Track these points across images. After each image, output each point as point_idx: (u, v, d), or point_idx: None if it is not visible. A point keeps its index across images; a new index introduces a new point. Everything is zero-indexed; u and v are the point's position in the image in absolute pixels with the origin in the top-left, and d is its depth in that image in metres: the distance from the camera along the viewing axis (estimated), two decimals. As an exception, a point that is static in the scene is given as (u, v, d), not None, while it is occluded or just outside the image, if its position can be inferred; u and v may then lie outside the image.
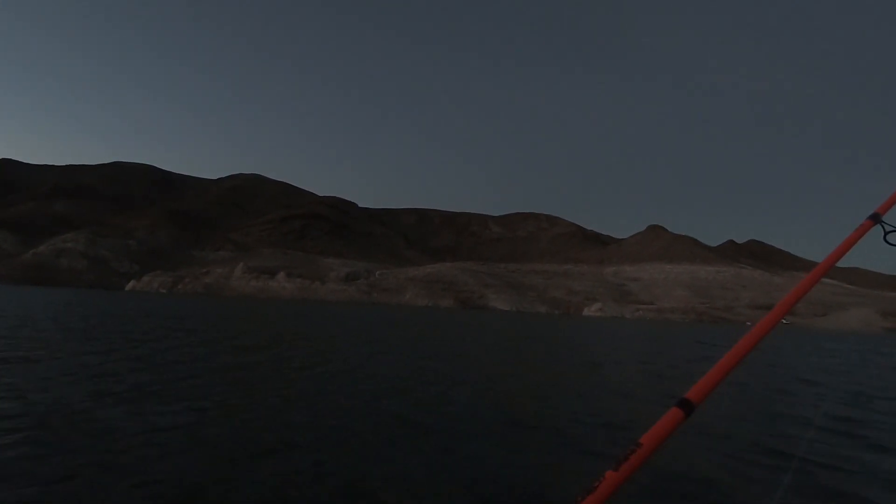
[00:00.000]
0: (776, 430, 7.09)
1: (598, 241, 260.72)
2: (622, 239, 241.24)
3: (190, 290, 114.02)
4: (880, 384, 13.00)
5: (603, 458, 5.03)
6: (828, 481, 4.83)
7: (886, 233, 1.60)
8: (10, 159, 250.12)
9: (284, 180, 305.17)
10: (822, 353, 24.16)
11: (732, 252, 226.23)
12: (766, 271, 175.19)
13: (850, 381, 13.02)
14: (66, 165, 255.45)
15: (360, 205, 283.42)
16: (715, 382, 1.19)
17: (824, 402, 9.75)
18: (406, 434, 5.85)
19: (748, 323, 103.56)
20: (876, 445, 6.47)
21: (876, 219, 1.64)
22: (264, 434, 5.48)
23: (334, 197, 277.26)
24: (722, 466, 5.19)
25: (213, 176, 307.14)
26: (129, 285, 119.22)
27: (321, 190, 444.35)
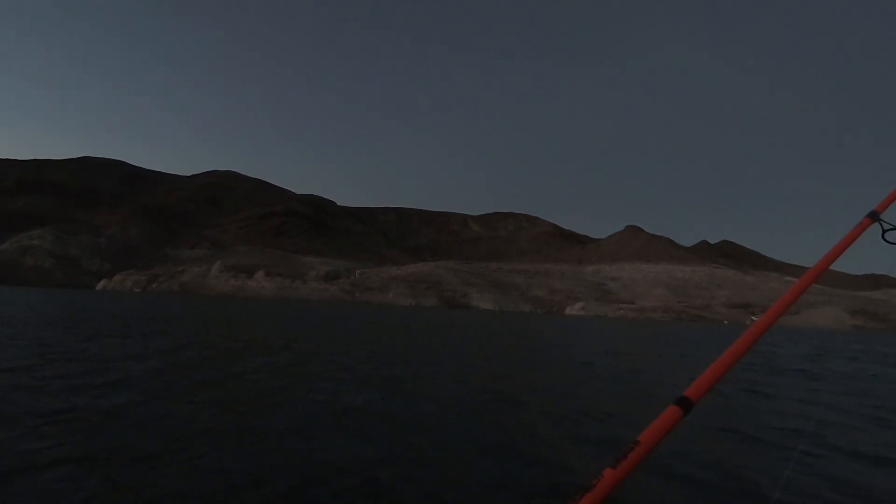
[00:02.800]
0: (776, 426, 7.11)
1: (577, 240, 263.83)
2: (600, 239, 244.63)
3: (165, 289, 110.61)
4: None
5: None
6: (828, 477, 4.81)
7: (884, 231, 1.62)
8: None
9: (260, 177, 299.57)
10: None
11: (706, 252, 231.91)
12: (738, 271, 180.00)
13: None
14: (31, 160, 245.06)
15: (338, 203, 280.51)
16: (713, 380, 1.19)
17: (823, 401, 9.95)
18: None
19: (725, 322, 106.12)
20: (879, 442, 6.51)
21: (874, 217, 1.65)
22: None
23: (312, 195, 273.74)
24: (721, 462, 5.15)
25: (187, 172, 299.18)
26: (101, 284, 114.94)
27: (298, 187, 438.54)
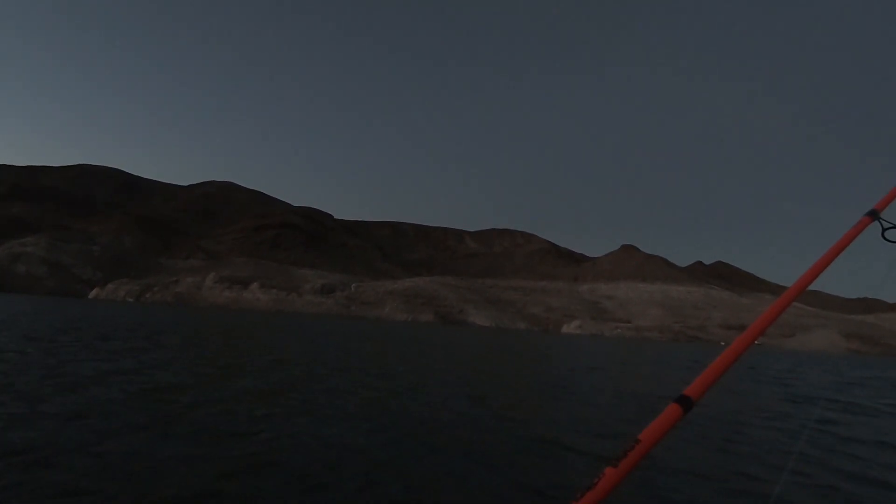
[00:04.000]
0: (775, 429, 7.19)
1: (572, 258, 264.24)
2: (595, 257, 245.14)
3: (159, 299, 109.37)
4: None
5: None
6: (825, 478, 4.85)
7: (884, 229, 1.62)
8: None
9: (257, 189, 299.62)
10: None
11: (701, 273, 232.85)
12: (733, 292, 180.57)
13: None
14: (26, 166, 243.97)
15: (334, 216, 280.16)
16: (713, 379, 1.18)
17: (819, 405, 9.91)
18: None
19: (722, 343, 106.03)
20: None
21: (874, 215, 1.64)
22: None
23: (308, 207, 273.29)
24: (720, 463, 5.16)
25: (183, 182, 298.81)
26: (93, 293, 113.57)
27: (295, 200, 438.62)
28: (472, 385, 11.47)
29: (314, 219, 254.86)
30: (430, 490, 4.24)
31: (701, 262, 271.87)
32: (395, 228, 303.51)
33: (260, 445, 5.11)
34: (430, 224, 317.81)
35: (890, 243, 1.57)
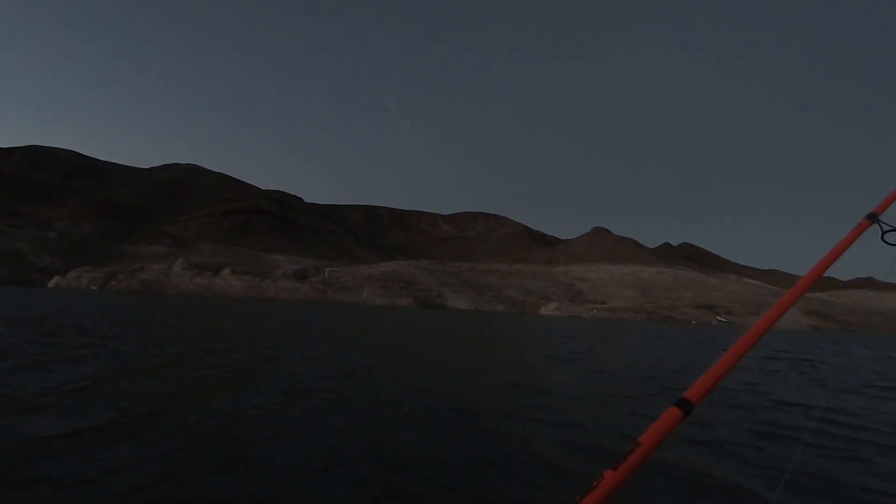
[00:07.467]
0: (777, 425, 6.87)
1: (545, 241, 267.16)
2: (568, 240, 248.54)
3: (125, 287, 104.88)
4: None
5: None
6: (829, 475, 4.72)
7: (884, 232, 1.63)
8: None
9: (223, 171, 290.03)
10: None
11: (669, 254, 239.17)
12: (700, 272, 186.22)
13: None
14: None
15: (305, 199, 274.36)
16: (713, 382, 1.19)
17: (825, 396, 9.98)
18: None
19: (693, 322, 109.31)
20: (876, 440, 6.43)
21: (873, 218, 1.65)
22: None
23: (278, 191, 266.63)
24: (721, 464, 5.03)
25: (145, 165, 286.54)
26: (53, 282, 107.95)
27: (264, 183, 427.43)
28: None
29: (284, 203, 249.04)
30: None
31: (669, 243, 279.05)
32: (369, 212, 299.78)
33: None
34: (403, 208, 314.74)
35: (890, 246, 1.60)
